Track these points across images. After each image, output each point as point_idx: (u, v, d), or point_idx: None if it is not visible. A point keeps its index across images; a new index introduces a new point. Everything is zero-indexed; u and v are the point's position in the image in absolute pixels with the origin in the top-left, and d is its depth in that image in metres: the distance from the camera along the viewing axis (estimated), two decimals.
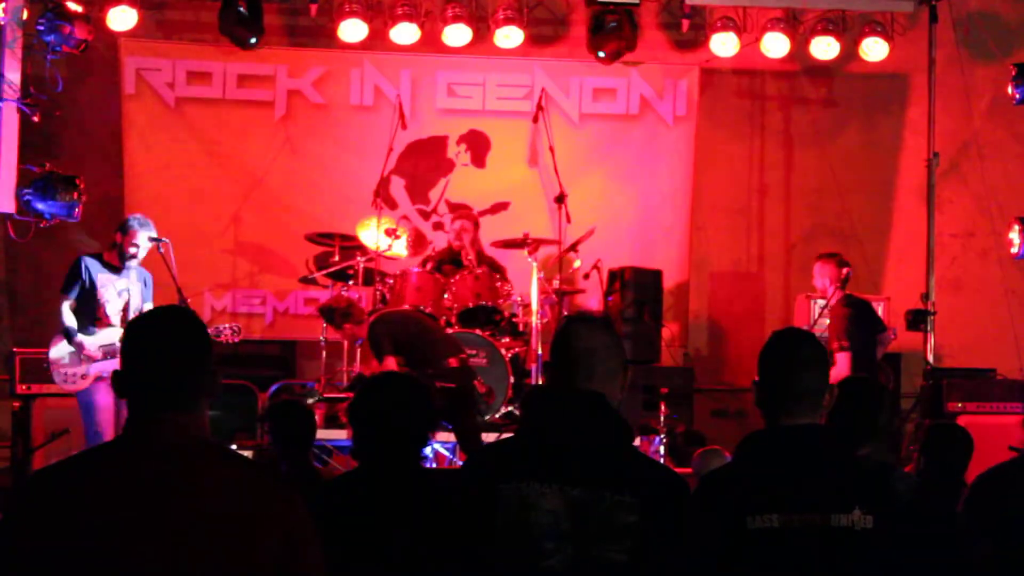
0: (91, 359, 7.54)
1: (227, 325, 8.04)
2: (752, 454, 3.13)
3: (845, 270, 8.36)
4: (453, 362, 8.19)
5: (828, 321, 8.40)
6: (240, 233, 10.48)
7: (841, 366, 8.21)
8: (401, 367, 8.13)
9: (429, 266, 9.37)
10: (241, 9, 9.41)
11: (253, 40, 9.73)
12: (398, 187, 10.68)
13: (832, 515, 2.97)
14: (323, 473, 6.28)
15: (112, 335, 7.65)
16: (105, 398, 7.52)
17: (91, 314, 7.58)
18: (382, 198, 10.05)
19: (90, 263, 7.67)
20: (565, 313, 9.10)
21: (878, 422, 4.41)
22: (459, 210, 10.34)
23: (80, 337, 7.54)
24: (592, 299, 9.97)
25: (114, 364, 7.72)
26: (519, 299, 9.29)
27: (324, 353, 9.32)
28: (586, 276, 9.72)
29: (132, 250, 7.72)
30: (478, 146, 10.78)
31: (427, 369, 7.99)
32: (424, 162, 10.72)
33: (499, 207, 10.68)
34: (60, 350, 7.54)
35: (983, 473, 4.05)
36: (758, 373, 3.17)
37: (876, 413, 4.42)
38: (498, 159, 10.76)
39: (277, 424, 5.77)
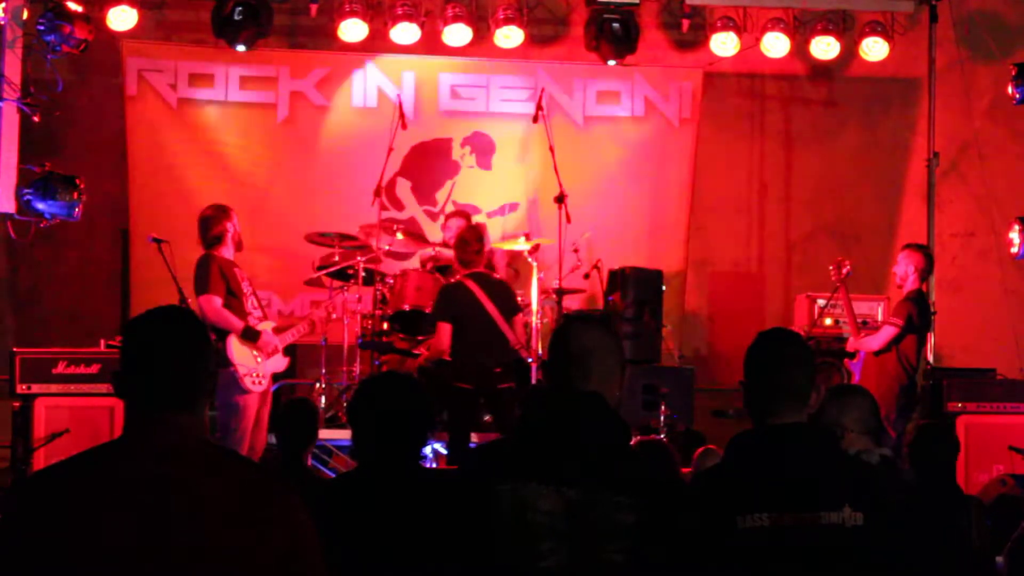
0: (270, 355, 7.54)
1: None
2: (741, 454, 3.13)
3: (928, 264, 8.45)
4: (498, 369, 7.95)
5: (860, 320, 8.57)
6: (243, 235, 10.45)
7: (882, 336, 8.19)
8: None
9: (429, 266, 9.35)
10: (235, 12, 9.43)
11: (242, 47, 9.74)
12: (404, 189, 10.68)
13: (822, 513, 2.97)
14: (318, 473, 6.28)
15: (270, 327, 7.66)
16: (255, 403, 7.47)
17: (239, 313, 7.50)
18: (388, 199, 10.03)
19: (221, 259, 7.61)
20: (565, 313, 9.09)
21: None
22: (457, 217, 10.21)
23: (264, 331, 7.52)
24: (592, 299, 9.96)
25: (278, 362, 7.73)
26: (520, 299, 9.27)
27: (325, 354, 9.30)
28: (586, 276, 9.71)
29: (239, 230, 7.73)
30: (482, 148, 10.78)
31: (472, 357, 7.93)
32: (430, 164, 10.72)
33: (507, 208, 10.68)
34: (241, 353, 7.43)
35: None
36: (744, 373, 3.18)
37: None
38: (503, 161, 10.77)
39: (285, 420, 5.79)
